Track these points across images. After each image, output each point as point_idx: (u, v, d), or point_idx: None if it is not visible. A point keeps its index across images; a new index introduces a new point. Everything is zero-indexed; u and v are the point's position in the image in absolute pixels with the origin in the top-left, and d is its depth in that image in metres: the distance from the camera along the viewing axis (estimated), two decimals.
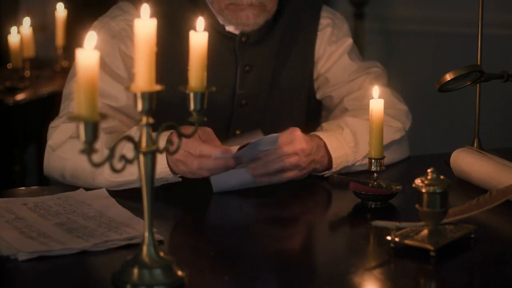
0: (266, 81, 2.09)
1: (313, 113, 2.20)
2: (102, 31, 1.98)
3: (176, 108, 1.81)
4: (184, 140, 1.72)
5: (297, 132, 1.82)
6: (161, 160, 1.75)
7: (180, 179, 1.79)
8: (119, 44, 1.96)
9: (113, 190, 1.77)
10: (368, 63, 2.18)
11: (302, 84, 2.14)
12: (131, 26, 1.95)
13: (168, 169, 1.76)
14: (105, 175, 1.79)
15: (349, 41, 2.17)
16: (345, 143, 1.91)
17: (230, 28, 2.03)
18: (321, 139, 1.89)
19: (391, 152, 1.99)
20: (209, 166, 1.73)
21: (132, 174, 1.73)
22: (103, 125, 1.84)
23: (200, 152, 1.72)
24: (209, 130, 1.78)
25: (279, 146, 1.77)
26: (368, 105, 2.01)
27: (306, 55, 2.13)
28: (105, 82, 1.92)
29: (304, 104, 2.16)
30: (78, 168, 1.82)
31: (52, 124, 1.91)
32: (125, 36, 1.97)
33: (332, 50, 2.14)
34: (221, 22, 2.02)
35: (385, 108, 1.96)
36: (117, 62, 1.95)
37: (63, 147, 1.85)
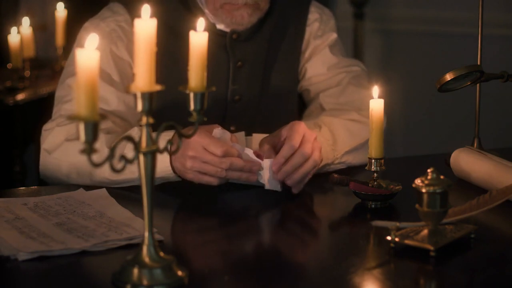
0: (258, 77, 2.10)
1: (301, 108, 2.21)
2: (93, 32, 1.97)
3: (174, 108, 1.81)
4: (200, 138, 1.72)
5: (306, 132, 1.79)
6: (163, 159, 1.74)
7: (180, 179, 1.79)
8: (110, 46, 1.96)
9: (113, 190, 1.77)
10: (350, 60, 2.19)
11: (292, 79, 2.16)
12: (121, 27, 1.96)
13: (170, 168, 1.76)
14: (106, 174, 1.78)
15: (333, 35, 2.18)
16: (324, 141, 1.90)
17: (220, 26, 2.04)
18: None
19: (365, 150, 1.96)
20: (238, 167, 1.71)
21: (133, 173, 1.73)
22: (102, 125, 1.84)
23: (227, 152, 1.71)
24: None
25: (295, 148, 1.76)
26: (344, 104, 2.04)
27: (295, 50, 2.15)
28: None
29: (295, 99, 2.18)
30: (75, 170, 1.82)
31: (45, 127, 1.91)
32: (115, 37, 1.97)
33: (317, 44, 2.16)
34: (211, 20, 2.02)
35: (362, 109, 1.97)
36: (109, 65, 1.95)
37: (59, 149, 1.86)
